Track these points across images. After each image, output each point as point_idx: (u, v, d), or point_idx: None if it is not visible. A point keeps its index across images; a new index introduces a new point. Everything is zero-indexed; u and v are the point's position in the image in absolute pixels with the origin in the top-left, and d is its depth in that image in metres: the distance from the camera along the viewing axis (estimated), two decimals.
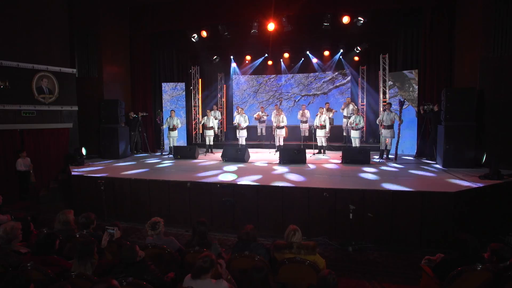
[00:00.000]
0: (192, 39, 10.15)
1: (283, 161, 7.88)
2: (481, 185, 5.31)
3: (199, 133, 12.90)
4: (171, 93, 11.54)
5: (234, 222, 5.58)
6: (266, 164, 7.90)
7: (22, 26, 7.95)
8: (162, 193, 6.02)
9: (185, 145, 11.12)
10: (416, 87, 9.13)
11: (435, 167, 7.01)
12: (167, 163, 8.32)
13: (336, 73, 12.99)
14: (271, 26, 9.26)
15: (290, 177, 6.34)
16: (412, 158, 8.55)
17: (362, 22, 8.75)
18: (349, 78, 12.90)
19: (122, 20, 10.15)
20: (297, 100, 13.94)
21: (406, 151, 9.12)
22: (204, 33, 9.90)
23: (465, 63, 7.41)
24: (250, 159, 8.55)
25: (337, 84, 13.20)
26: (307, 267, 2.92)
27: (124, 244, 3.12)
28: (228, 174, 6.67)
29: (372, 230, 5.03)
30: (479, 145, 6.68)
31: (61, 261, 2.88)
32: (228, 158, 8.27)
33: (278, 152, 9.92)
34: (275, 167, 7.50)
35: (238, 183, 5.80)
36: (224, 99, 14.08)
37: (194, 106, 12.67)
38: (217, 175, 6.63)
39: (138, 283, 2.41)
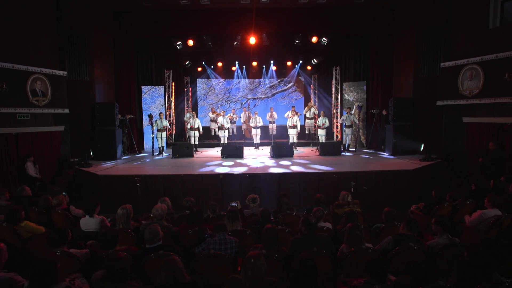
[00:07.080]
0: (177, 46, 10.94)
1: (274, 155, 9.51)
2: (423, 165, 7.90)
3: (173, 134, 13.56)
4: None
5: (261, 203, 6.99)
6: (263, 158, 9.40)
7: (14, 27, 7.76)
8: (196, 185, 7.06)
9: (165, 145, 11.73)
10: (347, 96, 11.90)
11: (387, 156, 9.58)
12: (172, 161, 9.10)
13: (279, 80, 15.18)
14: (252, 40, 10.78)
15: (293, 166, 8.04)
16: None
17: (326, 41, 10.96)
18: (290, 85, 15.24)
19: (107, 24, 10.33)
20: (243, 103, 15.70)
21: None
22: (190, 42, 10.81)
23: (402, 79, 10.21)
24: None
25: (279, 90, 15.43)
26: (358, 215, 4.71)
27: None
28: (243, 167, 8.01)
29: (363, 199, 7.06)
30: (415, 138, 9.46)
31: (209, 226, 4.02)
32: (227, 154, 9.50)
33: (257, 149, 11.56)
34: (272, 160, 9.09)
35: (262, 172, 7.24)
36: (190, 102, 14.97)
37: (168, 108, 13.26)
38: (234, 167, 7.91)
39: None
